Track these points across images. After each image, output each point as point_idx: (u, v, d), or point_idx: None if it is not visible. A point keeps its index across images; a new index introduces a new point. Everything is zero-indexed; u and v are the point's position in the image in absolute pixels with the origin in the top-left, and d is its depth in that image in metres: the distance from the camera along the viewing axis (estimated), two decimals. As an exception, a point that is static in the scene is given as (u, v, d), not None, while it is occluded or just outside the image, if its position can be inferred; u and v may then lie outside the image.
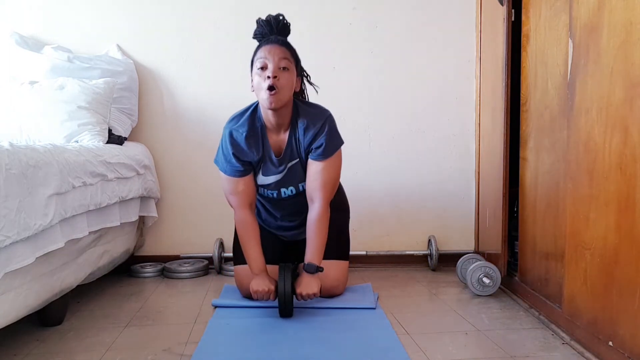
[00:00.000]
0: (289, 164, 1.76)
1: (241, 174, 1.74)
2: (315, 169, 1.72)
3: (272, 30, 1.68)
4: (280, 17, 1.70)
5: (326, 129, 1.70)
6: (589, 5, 1.37)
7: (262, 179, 1.79)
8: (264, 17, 1.70)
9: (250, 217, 1.76)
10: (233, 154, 1.71)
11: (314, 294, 1.66)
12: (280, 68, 1.61)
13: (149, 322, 1.68)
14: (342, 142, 1.77)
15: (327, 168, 1.72)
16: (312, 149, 1.72)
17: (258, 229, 1.77)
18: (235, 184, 1.74)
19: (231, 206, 1.80)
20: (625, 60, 1.20)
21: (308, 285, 1.66)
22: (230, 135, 1.72)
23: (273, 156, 1.75)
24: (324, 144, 1.70)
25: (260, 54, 1.64)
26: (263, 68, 1.61)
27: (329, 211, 1.75)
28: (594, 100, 1.33)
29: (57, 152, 1.49)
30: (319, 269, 1.70)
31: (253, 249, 1.73)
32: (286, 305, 1.63)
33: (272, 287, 1.65)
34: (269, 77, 1.58)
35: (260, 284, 1.65)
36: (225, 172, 1.75)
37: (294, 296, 1.65)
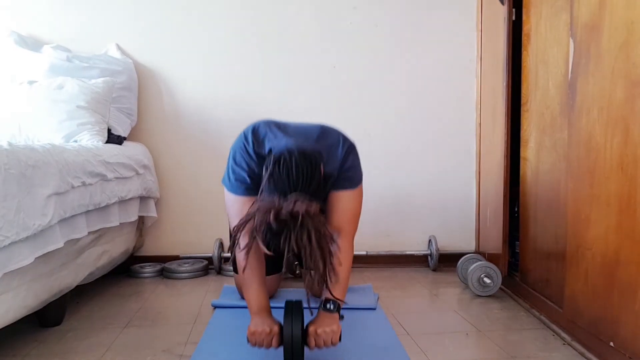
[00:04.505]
0: None
1: (249, 191, 1.47)
2: (338, 200, 1.52)
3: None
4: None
5: (350, 158, 1.52)
6: (589, 5, 1.36)
7: None
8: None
9: (257, 262, 1.42)
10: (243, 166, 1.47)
11: (333, 333, 1.31)
12: None
13: (148, 323, 1.68)
14: (362, 176, 1.62)
15: (352, 200, 1.56)
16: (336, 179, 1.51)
17: (264, 270, 1.46)
18: (243, 204, 1.44)
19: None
20: (626, 60, 1.20)
21: (325, 323, 1.32)
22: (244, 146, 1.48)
23: None
24: (349, 175, 1.53)
25: None
26: None
27: (353, 248, 1.56)
28: (595, 99, 1.33)
29: (56, 151, 1.49)
30: (339, 309, 1.37)
31: (256, 290, 1.42)
32: (294, 354, 1.26)
33: (276, 329, 1.31)
34: None
35: (260, 324, 1.33)
36: (232, 191, 1.49)
37: (305, 342, 1.31)
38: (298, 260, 1.23)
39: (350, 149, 1.53)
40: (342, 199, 1.53)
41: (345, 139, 1.53)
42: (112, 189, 1.84)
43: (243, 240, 1.24)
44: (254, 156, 1.47)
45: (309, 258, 1.18)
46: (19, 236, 1.23)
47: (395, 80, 2.48)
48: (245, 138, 1.49)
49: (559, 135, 1.55)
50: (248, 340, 1.33)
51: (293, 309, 1.29)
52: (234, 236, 1.27)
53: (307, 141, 1.46)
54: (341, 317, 1.37)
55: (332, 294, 1.32)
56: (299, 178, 1.29)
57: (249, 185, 1.47)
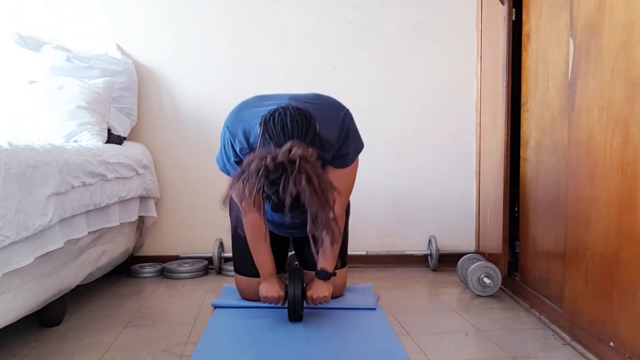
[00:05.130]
0: None
1: None
2: (335, 176, 1.53)
3: None
4: None
5: (350, 134, 1.57)
6: (589, 5, 1.36)
7: None
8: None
9: (260, 220, 1.60)
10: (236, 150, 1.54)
11: (325, 297, 1.63)
12: None
13: (148, 323, 1.68)
14: (363, 145, 1.67)
15: (347, 175, 1.64)
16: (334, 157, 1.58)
17: (268, 232, 1.64)
18: None
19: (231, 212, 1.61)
20: (626, 60, 1.20)
21: (319, 288, 1.63)
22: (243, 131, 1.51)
23: None
24: (350, 153, 1.60)
25: None
26: None
27: (345, 217, 1.70)
28: (595, 99, 1.33)
29: (56, 152, 1.49)
30: (332, 275, 1.66)
31: (263, 254, 1.66)
32: (296, 310, 1.60)
33: (282, 293, 1.63)
34: None
35: (270, 289, 1.63)
36: (228, 174, 1.60)
37: (304, 300, 1.63)
38: (297, 207, 1.23)
39: (347, 117, 1.56)
40: (341, 174, 1.58)
41: (342, 107, 1.57)
42: (112, 189, 1.84)
43: (247, 211, 1.35)
44: (242, 157, 1.49)
45: (309, 201, 1.19)
46: (19, 236, 1.23)
47: (395, 81, 2.48)
48: (233, 137, 1.52)
49: (559, 135, 1.55)
50: (262, 300, 1.65)
51: (295, 274, 1.61)
52: (228, 190, 1.27)
53: (301, 102, 1.49)
54: (333, 274, 1.68)
55: (325, 267, 1.60)
56: (294, 129, 1.31)
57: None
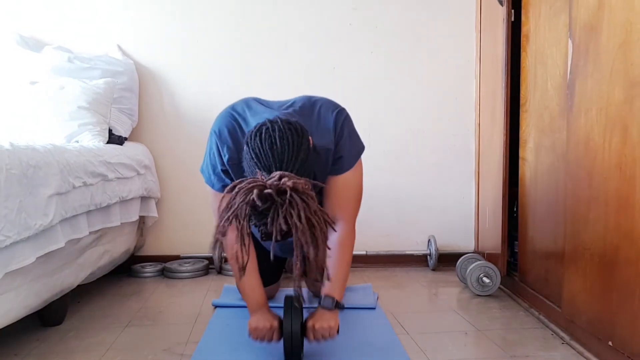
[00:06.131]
0: None
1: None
2: (335, 184, 1.41)
3: None
4: None
5: (344, 134, 1.39)
6: (588, 6, 1.37)
7: None
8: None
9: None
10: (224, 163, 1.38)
11: (330, 328, 1.30)
12: None
13: (149, 322, 1.68)
14: (363, 147, 1.49)
15: (348, 183, 1.42)
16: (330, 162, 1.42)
17: (255, 255, 1.38)
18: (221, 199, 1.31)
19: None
20: (624, 61, 1.20)
21: (323, 317, 1.31)
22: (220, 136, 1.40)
23: None
24: (344, 156, 1.41)
25: None
26: None
27: (355, 233, 1.44)
28: (594, 100, 1.34)
29: (58, 152, 1.49)
30: (339, 305, 1.36)
31: (251, 286, 1.40)
32: (293, 348, 1.27)
33: (276, 324, 1.32)
34: None
35: (261, 320, 1.32)
36: (210, 184, 1.46)
37: (304, 337, 1.31)
38: (288, 236, 1.08)
39: (340, 118, 1.38)
40: (341, 182, 1.40)
41: (335, 106, 1.39)
42: (113, 189, 1.85)
43: (230, 232, 1.11)
44: (229, 167, 1.37)
45: (299, 239, 1.05)
46: (21, 236, 1.23)
47: (395, 81, 2.48)
48: (221, 144, 1.38)
49: (558, 135, 1.56)
50: (250, 335, 1.33)
51: (292, 304, 1.28)
52: (216, 228, 1.12)
53: (291, 113, 1.33)
54: (342, 308, 1.37)
55: (329, 293, 1.29)
56: (284, 148, 1.14)
57: (226, 182, 1.36)
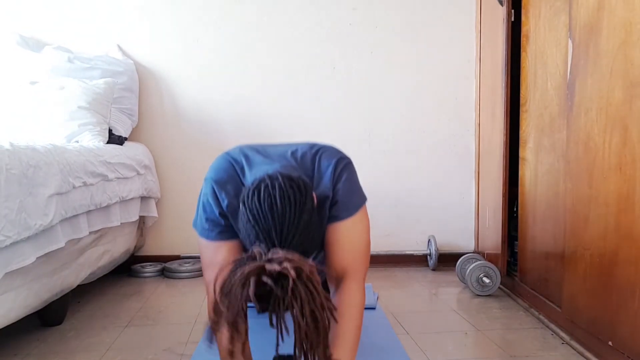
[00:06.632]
0: None
1: (224, 235, 1.20)
2: (334, 233, 1.23)
3: None
4: None
5: (341, 179, 1.25)
6: (588, 6, 1.37)
7: None
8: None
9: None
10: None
11: None
12: None
13: (149, 322, 1.69)
14: (364, 198, 1.35)
15: (348, 233, 1.24)
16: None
17: (248, 343, 1.19)
18: (216, 250, 1.21)
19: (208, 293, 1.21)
20: (624, 60, 1.20)
21: None
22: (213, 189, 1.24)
23: None
24: (339, 200, 1.24)
25: None
26: None
27: (364, 292, 1.23)
28: (594, 100, 1.34)
29: (58, 152, 1.49)
30: None
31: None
32: None
33: None
34: None
35: None
36: (203, 235, 1.22)
37: None
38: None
39: (340, 164, 1.25)
40: (341, 231, 1.23)
41: (338, 153, 1.27)
42: (113, 189, 1.85)
43: (223, 329, 0.97)
44: (228, 214, 1.20)
45: (302, 335, 0.95)
46: (21, 236, 1.23)
47: (394, 81, 2.48)
48: (219, 189, 1.23)
49: (558, 135, 1.56)
50: None
51: None
52: (210, 316, 0.97)
53: (293, 166, 1.20)
54: None
55: None
56: (286, 210, 1.02)
57: (223, 229, 1.20)
